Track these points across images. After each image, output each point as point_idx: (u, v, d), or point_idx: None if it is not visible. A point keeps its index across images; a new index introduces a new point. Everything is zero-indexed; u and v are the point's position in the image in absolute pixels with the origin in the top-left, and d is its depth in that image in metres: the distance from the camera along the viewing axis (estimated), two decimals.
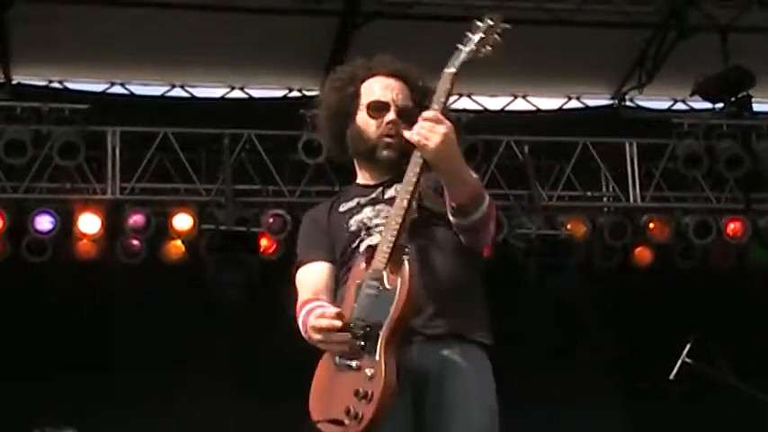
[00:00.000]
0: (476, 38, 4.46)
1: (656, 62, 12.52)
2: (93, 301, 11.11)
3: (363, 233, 4.32)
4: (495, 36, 4.48)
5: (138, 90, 12.60)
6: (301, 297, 4.37)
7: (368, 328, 4.03)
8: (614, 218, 12.00)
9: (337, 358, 4.11)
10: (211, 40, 11.53)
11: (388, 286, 4.05)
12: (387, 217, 4.22)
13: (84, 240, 11.05)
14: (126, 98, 12.49)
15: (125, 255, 11.12)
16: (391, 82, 4.51)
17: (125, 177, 11.19)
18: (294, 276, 4.49)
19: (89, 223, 10.97)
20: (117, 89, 12.51)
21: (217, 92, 12.54)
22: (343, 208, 4.44)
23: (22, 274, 11.09)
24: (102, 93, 12.44)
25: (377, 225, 4.30)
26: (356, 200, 4.43)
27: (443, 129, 4.08)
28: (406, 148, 4.27)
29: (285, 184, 11.41)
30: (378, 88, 4.47)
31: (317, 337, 4.06)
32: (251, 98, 12.61)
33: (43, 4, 11.11)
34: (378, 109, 4.41)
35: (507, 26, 4.46)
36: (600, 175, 12.18)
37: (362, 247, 4.26)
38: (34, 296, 11.09)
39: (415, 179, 4.14)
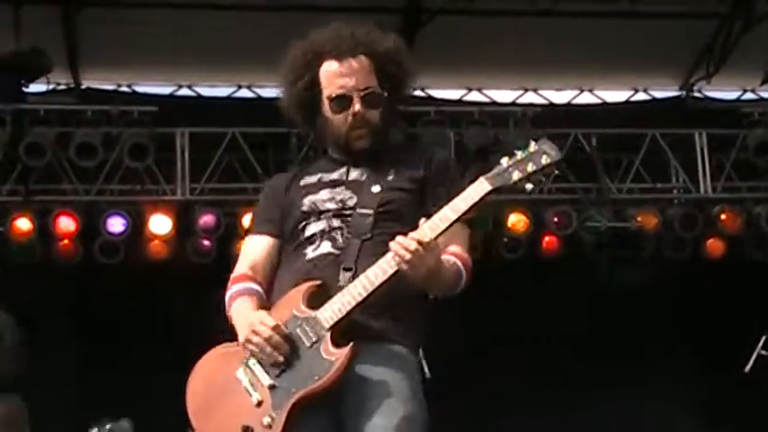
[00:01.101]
0: (527, 167, 4.10)
1: (723, 52, 12.40)
2: (164, 301, 11.19)
3: (312, 216, 4.23)
4: (543, 177, 4.11)
5: (206, 91, 12.69)
6: (238, 268, 4.32)
7: (285, 375, 3.99)
8: (685, 209, 11.89)
9: (241, 370, 4.06)
10: (277, 40, 11.47)
11: (323, 354, 3.96)
12: (341, 202, 4.19)
13: (156, 241, 11.14)
14: (194, 100, 12.58)
15: (196, 255, 11.20)
16: (349, 64, 4.27)
17: (194, 178, 11.27)
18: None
19: (160, 224, 11.07)
20: (184, 91, 12.61)
21: None
22: (304, 181, 4.35)
23: (94, 275, 11.21)
24: (170, 95, 12.54)
25: (328, 210, 4.20)
26: (319, 175, 4.33)
27: (431, 262, 3.93)
28: (379, 130, 4.26)
29: None
30: (335, 77, 4.26)
31: (252, 339, 4.01)
32: None
33: (111, 8, 11.22)
34: (340, 104, 4.25)
35: (557, 171, 4.11)
36: (669, 167, 12.09)
37: (307, 232, 4.20)
38: (107, 297, 11.20)
39: (384, 278, 3.97)
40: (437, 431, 4.07)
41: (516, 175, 4.10)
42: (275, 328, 3.99)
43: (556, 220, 11.57)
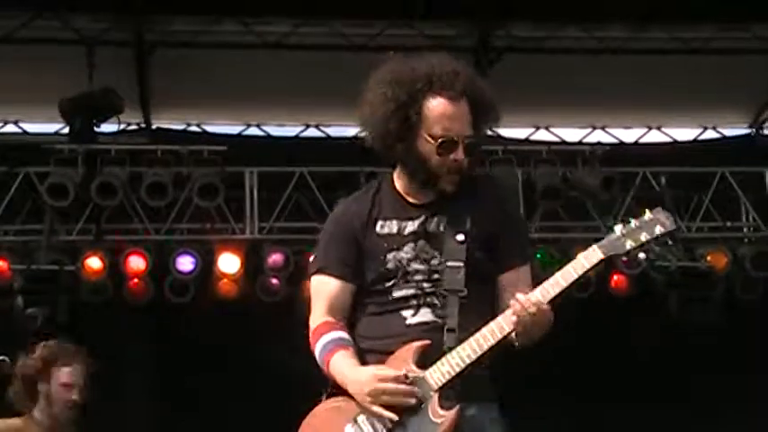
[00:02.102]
0: (641, 237, 4.14)
1: None
2: (234, 339, 11.24)
3: (400, 275, 4.18)
4: (657, 248, 4.15)
5: (274, 131, 12.77)
6: (319, 314, 4.24)
7: None
8: (756, 248, 11.77)
9: (350, 426, 4.05)
10: (344, 79, 11.61)
11: (431, 416, 3.96)
12: (425, 262, 4.14)
13: (225, 280, 11.20)
14: (262, 139, 12.67)
15: (265, 293, 11.24)
16: (459, 108, 4.16)
17: (263, 217, 11.33)
18: (309, 277, 4.37)
19: (229, 263, 11.12)
20: (253, 130, 12.71)
21: (352, 130, 12.65)
22: (382, 229, 4.25)
23: (165, 314, 11.29)
24: (239, 134, 12.64)
25: (415, 270, 4.16)
26: (396, 223, 4.24)
27: (545, 326, 4.00)
28: (466, 177, 4.21)
29: None
30: (447, 117, 4.14)
31: (382, 398, 3.98)
32: None
33: (181, 48, 11.35)
34: (446, 147, 4.14)
35: (671, 242, 4.14)
36: (739, 205, 11.98)
37: (395, 293, 4.16)
38: (177, 335, 11.27)
39: (500, 338, 4.00)
40: None
41: (629, 245, 4.09)
42: (399, 381, 3.98)
43: (625, 259, 11.46)
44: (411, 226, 4.23)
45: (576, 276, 4.07)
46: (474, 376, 4.05)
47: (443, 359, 4.01)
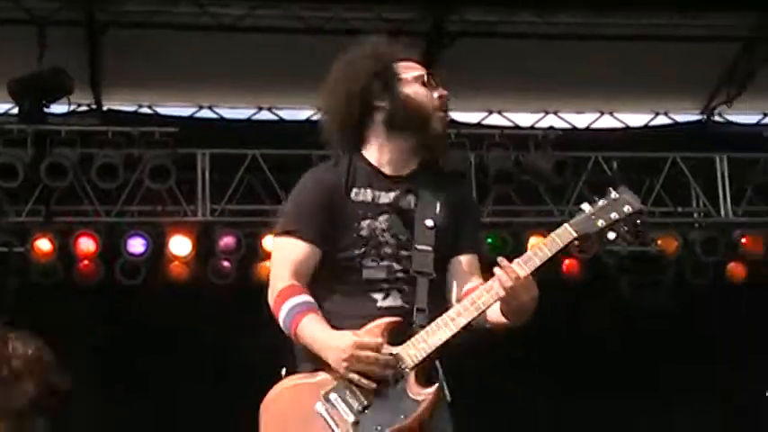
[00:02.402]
0: (611, 215, 4.15)
1: (744, 76, 12.38)
2: (185, 322, 11.21)
3: (371, 245, 4.19)
4: (625, 227, 4.15)
5: (227, 113, 12.72)
6: (283, 278, 4.18)
7: (369, 411, 3.96)
8: (706, 233, 11.85)
9: (320, 404, 3.99)
10: (297, 63, 11.59)
11: (410, 393, 3.96)
12: (395, 237, 4.19)
13: (176, 262, 11.15)
14: (215, 121, 12.61)
15: (216, 276, 11.21)
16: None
17: (215, 199, 11.29)
18: (276, 236, 4.34)
19: (180, 245, 11.08)
20: (206, 113, 12.64)
21: (304, 113, 12.61)
22: (356, 197, 4.27)
23: (116, 296, 11.24)
24: (191, 116, 12.56)
25: (386, 243, 4.19)
26: (371, 192, 4.27)
27: (535, 294, 4.04)
28: (434, 162, 4.35)
29: None
30: (420, 68, 4.40)
31: (358, 366, 3.94)
32: None
33: (133, 29, 11.26)
34: (432, 83, 4.34)
35: (639, 221, 4.17)
36: (690, 191, 12.06)
37: (366, 272, 4.18)
38: (128, 318, 11.24)
39: (483, 308, 4.03)
40: None
41: (601, 223, 4.11)
42: (381, 346, 3.97)
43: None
44: (385, 197, 4.27)
45: (549, 254, 4.09)
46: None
47: (418, 336, 4.01)
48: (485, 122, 12.72)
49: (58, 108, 11.48)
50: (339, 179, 4.29)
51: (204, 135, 11.79)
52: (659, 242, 11.66)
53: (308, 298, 4.12)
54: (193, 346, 11.16)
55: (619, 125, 13.13)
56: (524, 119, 12.83)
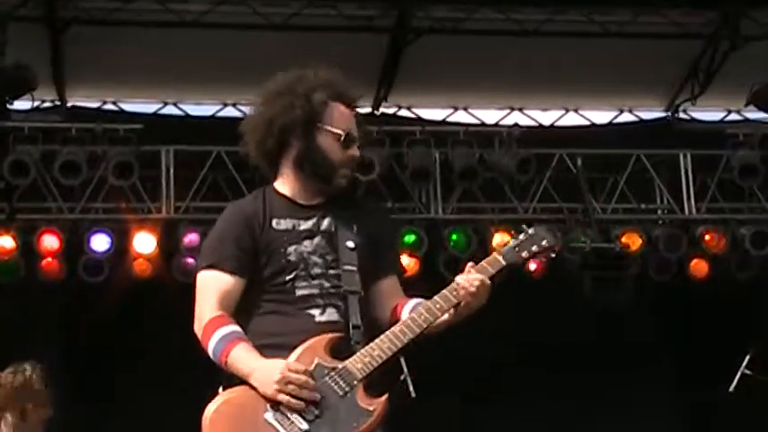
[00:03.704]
0: (532, 248, 4.57)
1: (708, 73, 12.43)
2: (149, 319, 11.17)
3: (301, 267, 4.36)
4: (544, 258, 4.68)
5: (191, 109, 12.67)
6: (206, 309, 4.35)
7: (320, 421, 4.10)
8: (669, 230, 11.91)
9: (270, 414, 4.10)
10: (262, 59, 11.56)
11: (360, 403, 4.13)
12: (322, 257, 4.38)
13: (140, 259, 11.11)
14: (179, 118, 12.56)
15: (180, 273, 11.17)
16: (352, 115, 4.58)
17: (179, 196, 11.26)
18: (197, 273, 4.49)
19: (144, 242, 11.04)
20: (170, 109, 12.58)
21: None
22: (278, 225, 4.43)
23: (79, 294, 11.18)
24: (155, 113, 12.51)
25: (315, 264, 4.37)
26: (291, 221, 4.44)
27: (484, 300, 4.38)
28: (352, 180, 4.61)
29: None
30: (347, 118, 4.54)
31: (286, 388, 4.07)
32: None
33: (96, 26, 11.20)
34: (349, 141, 4.47)
35: (553, 255, 4.65)
36: (654, 188, 12.12)
37: (299, 290, 4.34)
38: (90, 315, 11.18)
39: (439, 314, 4.36)
40: None
41: (524, 254, 4.53)
42: (307, 374, 4.12)
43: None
44: (305, 224, 4.45)
45: (491, 272, 4.45)
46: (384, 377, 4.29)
47: (363, 351, 4.21)
48: (449, 119, 12.73)
49: (21, 105, 11.41)
50: (257, 211, 4.46)
51: (168, 132, 11.75)
52: (623, 239, 11.70)
53: (236, 328, 4.27)
54: (157, 343, 11.11)
55: (584, 122, 13.17)
56: (489, 116, 12.85)
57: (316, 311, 4.31)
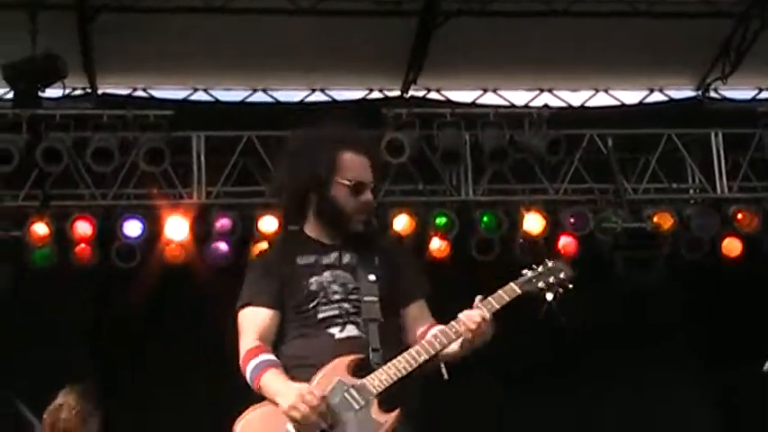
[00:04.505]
0: (549, 280, 4.97)
1: (739, 52, 12.37)
2: (181, 304, 11.23)
3: (322, 295, 4.81)
4: (560, 290, 4.99)
5: (221, 95, 12.70)
6: (246, 342, 4.83)
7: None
8: (701, 209, 11.86)
9: (290, 425, 4.56)
10: (291, 44, 11.60)
11: (374, 416, 4.57)
12: (343, 286, 4.83)
13: (172, 245, 11.15)
14: (209, 104, 12.60)
15: (212, 258, 11.21)
16: (365, 159, 4.97)
17: (210, 182, 11.29)
18: (236, 314, 4.94)
19: (176, 228, 11.07)
20: (200, 95, 12.62)
21: (298, 95, 12.61)
22: (301, 260, 4.90)
23: (112, 279, 11.24)
24: (185, 99, 12.55)
25: (335, 292, 4.82)
26: (314, 257, 4.90)
27: (492, 330, 4.77)
28: (371, 219, 5.04)
29: None
30: (357, 166, 4.94)
31: (300, 407, 4.52)
32: (332, 100, 12.66)
33: (126, 13, 11.24)
34: (359, 190, 4.90)
35: (570, 286, 5.01)
36: (685, 167, 12.07)
37: (321, 313, 4.78)
38: (123, 301, 11.25)
39: (446, 343, 4.72)
40: None
41: (541, 284, 4.94)
42: (323, 399, 4.55)
43: (572, 221, 11.56)
44: (327, 258, 4.90)
45: (497, 307, 4.81)
46: (402, 395, 4.65)
47: (381, 369, 4.65)
48: (479, 101, 12.72)
49: (52, 92, 11.47)
50: (283, 251, 5.04)
51: (199, 118, 11.79)
52: (654, 219, 11.66)
53: (269, 356, 4.77)
54: (190, 326, 11.18)
55: (614, 102, 13.13)
56: (519, 97, 12.83)
57: (335, 330, 4.77)
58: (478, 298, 4.77)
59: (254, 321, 4.85)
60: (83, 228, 10.93)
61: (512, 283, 4.89)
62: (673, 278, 11.72)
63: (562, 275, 4.96)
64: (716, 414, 11.90)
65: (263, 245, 11.10)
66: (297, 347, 4.80)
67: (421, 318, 4.94)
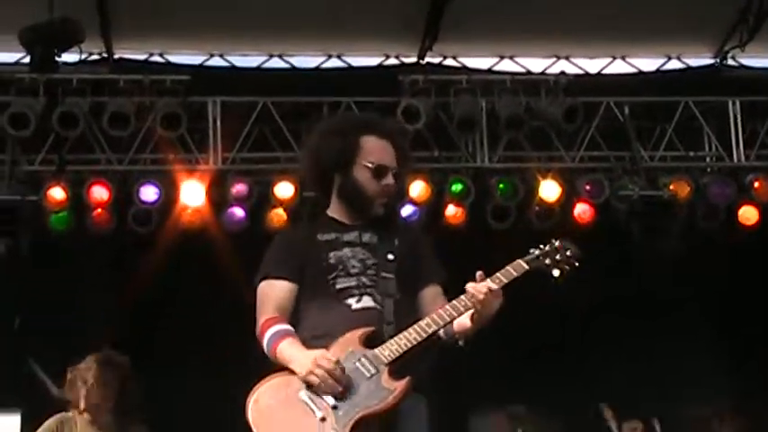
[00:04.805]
0: (556, 257, 5.10)
1: (757, 19, 12.30)
2: (197, 269, 11.26)
3: (340, 268, 4.99)
4: (567, 267, 5.11)
5: (237, 61, 12.70)
6: (264, 312, 4.99)
7: (346, 398, 4.70)
8: (718, 178, 11.83)
9: (303, 392, 4.73)
10: (308, 10, 11.58)
11: (383, 383, 4.72)
12: (361, 261, 5.00)
13: (189, 210, 11.17)
14: (225, 69, 12.59)
15: (228, 224, 11.23)
16: (387, 145, 5.14)
17: (226, 147, 11.30)
18: (255, 288, 5.10)
19: (192, 193, 11.09)
20: (216, 60, 12.62)
21: (314, 61, 12.60)
22: (322, 237, 5.08)
23: (128, 244, 11.28)
24: (202, 65, 12.54)
25: (353, 266, 5.00)
26: (334, 234, 5.09)
27: (497, 305, 4.86)
28: (393, 203, 5.21)
29: None
30: (379, 150, 5.12)
31: (316, 371, 4.68)
32: (349, 66, 12.65)
33: None
34: (381, 173, 5.08)
35: (577, 264, 5.13)
36: (702, 135, 12.04)
37: (339, 284, 4.95)
38: (140, 265, 11.30)
39: (455, 315, 4.86)
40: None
41: (548, 261, 5.06)
42: (337, 363, 4.70)
43: (588, 188, 11.54)
44: (347, 236, 5.09)
45: (506, 282, 4.92)
46: (414, 365, 4.81)
47: (392, 340, 4.80)
48: (495, 68, 12.69)
49: (69, 57, 11.47)
50: (305, 229, 5.32)
51: (215, 83, 11.78)
52: (671, 187, 11.64)
53: (284, 326, 4.93)
54: (205, 290, 11.23)
55: (631, 70, 13.08)
56: (535, 64, 12.79)
57: (352, 300, 4.92)
58: (479, 274, 4.88)
59: (272, 293, 5.00)
60: (99, 193, 10.96)
61: (519, 260, 5.01)
62: (688, 246, 11.68)
63: (569, 253, 5.08)
64: (728, 383, 11.89)
65: (280, 211, 11.15)
66: (314, 318, 4.94)
67: (435, 301, 5.05)
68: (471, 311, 4.86)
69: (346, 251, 5.02)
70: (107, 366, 7.37)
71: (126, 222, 11.07)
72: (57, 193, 10.87)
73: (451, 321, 4.86)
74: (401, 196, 5.57)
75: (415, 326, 4.82)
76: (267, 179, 11.18)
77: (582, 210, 11.59)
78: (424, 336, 4.79)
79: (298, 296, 5.01)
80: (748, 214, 11.89)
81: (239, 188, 11.14)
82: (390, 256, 5.02)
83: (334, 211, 5.18)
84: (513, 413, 9.39)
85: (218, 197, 11.21)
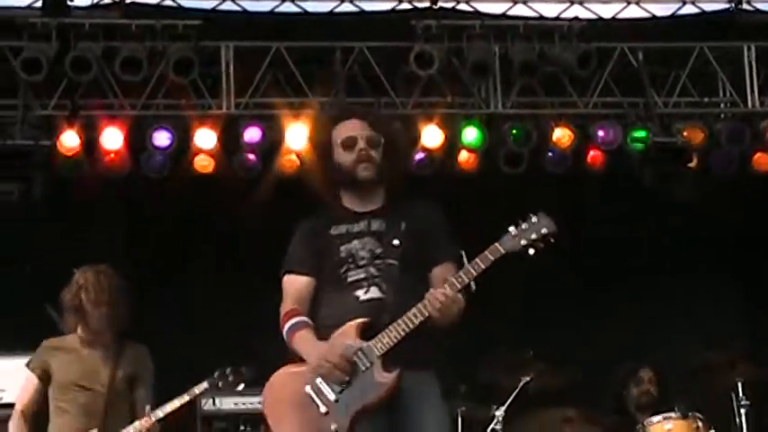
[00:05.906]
0: (531, 236, 5.26)
1: None
2: (210, 214, 11.29)
3: (351, 263, 5.45)
4: (542, 244, 5.27)
5: (250, 5, 12.63)
6: (286, 304, 5.54)
7: (346, 392, 5.26)
8: (732, 124, 11.78)
9: (309, 387, 5.29)
10: None
11: (376, 377, 5.23)
12: (370, 252, 5.44)
13: (201, 155, 11.17)
14: (238, 14, 12.52)
15: (241, 169, 11.24)
16: (353, 121, 5.63)
17: (239, 92, 11.27)
18: (282, 277, 5.61)
19: (205, 138, 11.09)
20: (229, 5, 12.54)
21: (328, 5, 12.52)
22: (334, 231, 5.55)
23: (141, 189, 11.30)
24: (214, 9, 12.48)
25: (362, 257, 5.45)
26: (345, 227, 5.54)
27: (455, 310, 5.29)
28: (382, 167, 5.56)
29: (397, 96, 11.41)
30: (345, 128, 5.61)
31: (325, 364, 5.24)
32: (362, 11, 12.58)
33: None
34: (349, 144, 5.56)
35: (553, 240, 5.28)
36: (717, 81, 11.97)
37: (350, 277, 5.42)
38: (154, 210, 11.33)
39: (418, 322, 5.22)
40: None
41: (523, 242, 5.25)
42: (343, 356, 5.22)
43: (602, 134, 11.51)
44: (357, 227, 5.53)
45: (483, 267, 5.21)
46: (412, 348, 5.24)
47: (384, 332, 5.25)
48: (509, 13, 12.61)
49: (81, 1, 11.43)
50: (320, 222, 5.66)
51: (227, 28, 11.74)
52: (685, 133, 11.59)
53: (302, 318, 5.47)
54: (218, 237, 11.26)
55: (645, 15, 12.99)
56: (549, 9, 12.69)
57: (360, 292, 5.39)
58: (450, 275, 5.29)
59: (291, 288, 5.54)
60: (112, 137, 10.96)
61: (496, 244, 5.24)
62: (702, 192, 11.66)
63: (544, 231, 5.24)
64: (744, 328, 11.92)
65: (293, 156, 11.13)
66: (328, 308, 5.46)
67: (444, 278, 5.32)
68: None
69: (355, 243, 5.47)
70: (98, 273, 7.52)
71: (139, 167, 11.07)
72: (69, 138, 10.87)
73: (424, 321, 5.22)
74: (390, 153, 5.66)
75: (404, 317, 5.21)
76: (280, 124, 11.15)
77: (595, 156, 11.57)
78: (411, 326, 5.20)
79: (316, 288, 5.52)
80: (762, 160, 11.85)
81: (252, 133, 11.13)
82: (396, 242, 5.44)
83: (346, 200, 5.65)
84: (521, 356, 9.41)
85: (230, 142, 11.20)
